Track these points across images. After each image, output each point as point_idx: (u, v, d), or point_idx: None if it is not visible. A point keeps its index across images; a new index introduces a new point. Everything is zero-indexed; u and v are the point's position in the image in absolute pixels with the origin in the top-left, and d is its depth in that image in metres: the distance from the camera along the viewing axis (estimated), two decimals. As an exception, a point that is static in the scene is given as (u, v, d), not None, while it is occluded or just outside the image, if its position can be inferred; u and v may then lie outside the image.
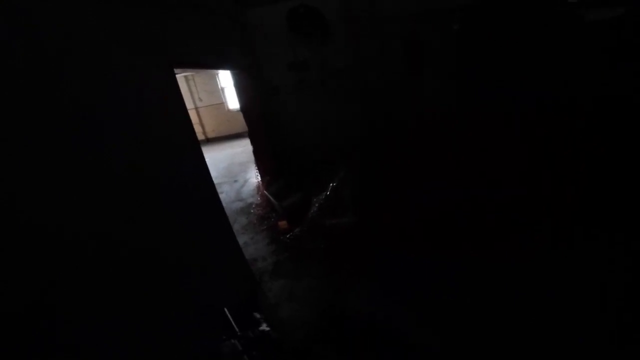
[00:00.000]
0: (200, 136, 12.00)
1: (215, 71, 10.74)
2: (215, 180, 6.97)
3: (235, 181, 6.76)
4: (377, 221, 3.90)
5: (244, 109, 5.08)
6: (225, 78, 11.49)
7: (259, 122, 5.06)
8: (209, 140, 12.38)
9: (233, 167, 7.87)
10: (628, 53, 3.55)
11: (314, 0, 4.80)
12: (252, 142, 5.36)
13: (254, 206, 5.30)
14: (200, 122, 12.15)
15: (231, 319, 2.05)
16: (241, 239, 4.24)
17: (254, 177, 6.37)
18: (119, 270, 1.47)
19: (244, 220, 4.94)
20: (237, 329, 2.03)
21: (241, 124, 5.39)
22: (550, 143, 3.56)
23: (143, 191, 1.71)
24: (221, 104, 12.04)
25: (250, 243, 4.27)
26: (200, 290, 2.14)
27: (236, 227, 4.69)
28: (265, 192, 4.82)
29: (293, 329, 2.71)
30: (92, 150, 1.42)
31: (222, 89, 11.81)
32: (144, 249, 1.63)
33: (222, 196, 5.85)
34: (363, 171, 4.52)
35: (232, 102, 11.76)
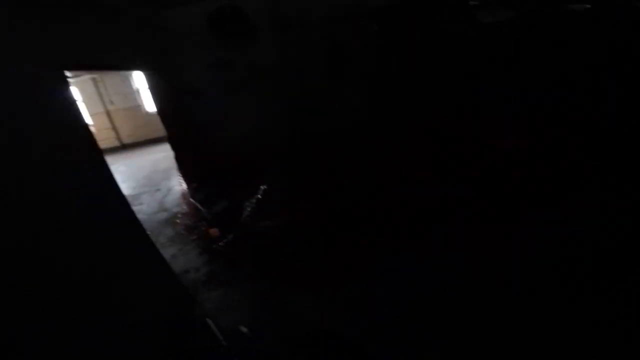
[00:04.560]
0: (114, 142, 11.02)
1: (128, 72, 9.87)
2: (133, 191, 6.52)
3: (158, 190, 6.28)
4: (305, 220, 3.95)
5: (161, 112, 4.73)
6: (140, 79, 10.55)
7: (179, 126, 4.74)
8: (125, 147, 11.30)
9: (155, 175, 7.31)
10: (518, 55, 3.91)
11: (238, 0, 4.63)
12: (173, 148, 5.02)
13: (180, 216, 4.97)
14: (114, 126, 11.07)
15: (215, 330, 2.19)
16: (168, 252, 4.01)
17: (177, 184, 6.00)
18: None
19: (171, 232, 4.62)
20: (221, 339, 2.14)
21: (162, 128, 5.02)
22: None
23: (29, 211, 1.49)
24: (137, 107, 11.05)
25: (180, 255, 4.02)
26: (121, 309, 1.99)
27: (162, 240, 4.38)
28: (191, 199, 4.56)
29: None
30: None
31: (137, 90, 10.86)
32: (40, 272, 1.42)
33: (142, 207, 5.49)
34: (290, 173, 4.52)
35: (150, 104, 10.82)
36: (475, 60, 4.03)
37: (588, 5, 3.30)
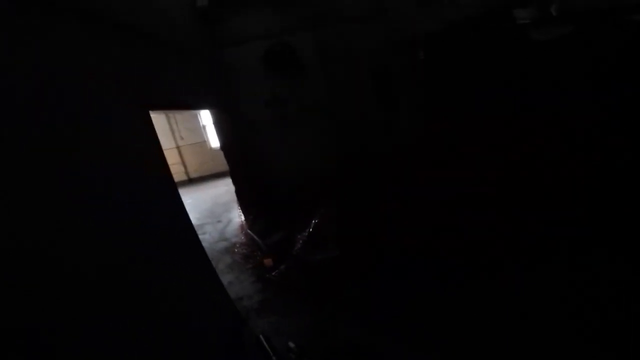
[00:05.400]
0: (182, 176, 11.75)
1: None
2: (197, 222, 6.94)
3: (219, 221, 6.69)
4: (357, 254, 3.98)
5: (224, 147, 5.11)
6: (206, 115, 11.27)
7: (240, 161, 5.08)
8: (192, 181, 12.07)
9: (216, 207, 7.79)
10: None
11: (288, 37, 4.99)
12: (234, 182, 5.35)
13: (238, 245, 5.23)
14: (182, 161, 11.86)
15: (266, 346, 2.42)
16: (226, 278, 4.22)
17: (237, 216, 6.34)
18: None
19: (229, 260, 4.87)
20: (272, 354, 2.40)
21: (224, 163, 5.41)
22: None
23: (116, 234, 1.70)
24: (203, 142, 11.82)
25: (236, 282, 4.22)
26: (181, 330, 2.11)
27: (220, 267, 4.63)
28: (249, 231, 4.78)
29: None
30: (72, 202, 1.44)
31: (204, 126, 11.65)
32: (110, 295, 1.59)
33: (205, 237, 5.83)
34: (342, 207, 4.57)
35: (215, 140, 11.47)
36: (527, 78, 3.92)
37: None
